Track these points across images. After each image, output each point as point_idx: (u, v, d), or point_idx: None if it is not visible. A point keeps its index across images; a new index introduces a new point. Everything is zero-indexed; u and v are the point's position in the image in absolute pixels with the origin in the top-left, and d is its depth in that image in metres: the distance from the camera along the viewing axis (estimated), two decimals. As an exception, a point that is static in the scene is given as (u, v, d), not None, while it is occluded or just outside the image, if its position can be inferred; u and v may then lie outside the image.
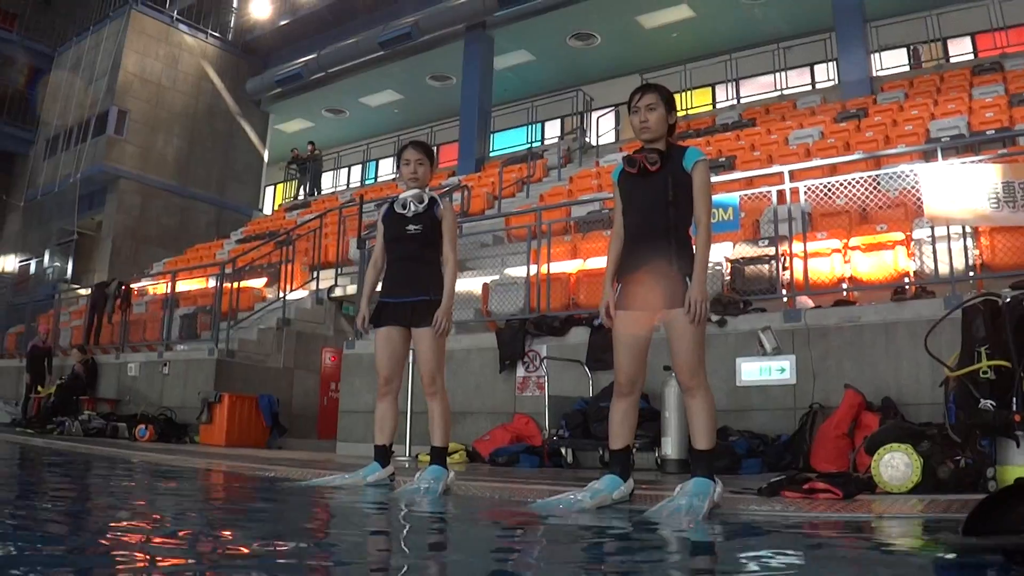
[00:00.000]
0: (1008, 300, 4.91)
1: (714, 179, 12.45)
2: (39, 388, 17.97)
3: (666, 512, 3.98)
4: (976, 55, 21.82)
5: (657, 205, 4.44)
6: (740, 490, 5.17)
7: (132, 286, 20.01)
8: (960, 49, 22.34)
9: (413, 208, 5.68)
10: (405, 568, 2.59)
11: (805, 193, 10.11)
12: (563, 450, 9.51)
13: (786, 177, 10.03)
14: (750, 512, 4.27)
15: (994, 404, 4.63)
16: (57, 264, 29.54)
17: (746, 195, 10.95)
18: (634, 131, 4.61)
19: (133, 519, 3.70)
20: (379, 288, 5.85)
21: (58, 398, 16.77)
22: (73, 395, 16.73)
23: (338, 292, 16.50)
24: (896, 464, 5.05)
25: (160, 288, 20.04)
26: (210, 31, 31.09)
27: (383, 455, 5.73)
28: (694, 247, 4.40)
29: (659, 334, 4.51)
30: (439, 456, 5.52)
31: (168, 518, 3.79)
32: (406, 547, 3.22)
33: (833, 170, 11.39)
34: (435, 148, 30.72)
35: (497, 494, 5.43)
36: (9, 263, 32.26)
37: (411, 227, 5.66)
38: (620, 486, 4.48)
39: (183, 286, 19.45)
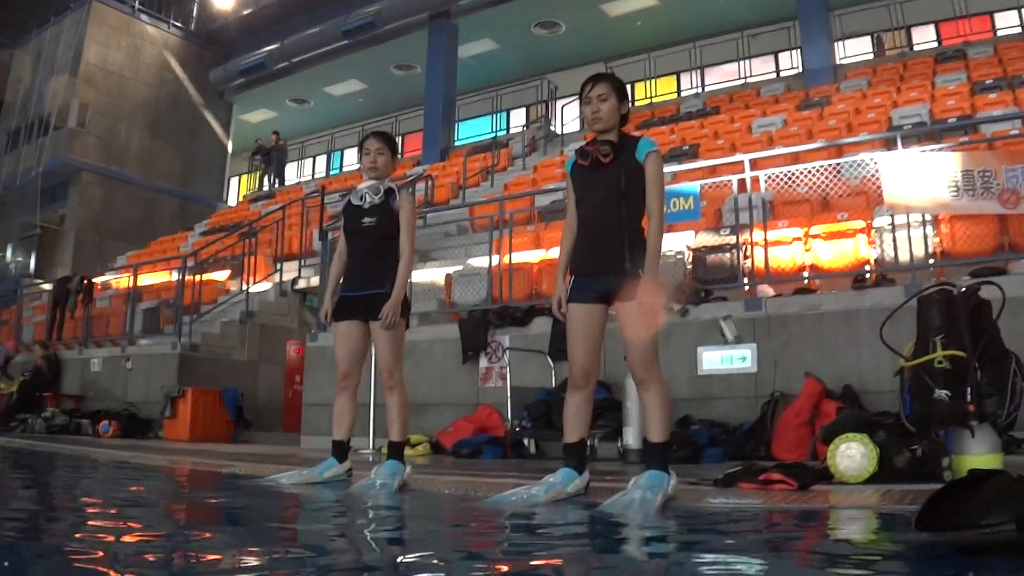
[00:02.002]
0: (963, 289, 4.91)
1: (677, 168, 12.56)
2: (0, 385, 17.77)
3: (619, 505, 3.95)
4: (940, 43, 21.92)
5: (610, 197, 4.42)
6: (696, 481, 5.15)
7: (95, 280, 19.82)
8: (924, 37, 22.46)
9: (369, 200, 5.62)
10: (353, 569, 2.54)
11: (766, 182, 10.12)
12: (526, 441, 9.48)
13: (746, 166, 10.03)
14: (704, 504, 4.25)
15: (949, 394, 4.62)
16: (20, 259, 29.27)
17: (707, 184, 10.93)
18: (586, 122, 4.59)
19: (84, 523, 3.64)
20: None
21: (20, 395, 16.57)
22: (36, 392, 16.54)
23: (302, 284, 16.40)
24: (852, 454, 5.04)
25: (123, 282, 19.83)
26: (172, 21, 30.88)
27: (340, 450, 5.67)
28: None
29: (616, 325, 4.47)
30: (396, 451, 5.46)
31: (122, 522, 3.73)
32: (357, 547, 3.17)
33: (795, 158, 11.42)
34: (400, 138, 30.73)
35: (455, 488, 5.38)
36: (-30, 259, 31.89)
37: (366, 219, 5.60)
38: (575, 479, 4.44)
39: (147, 280, 19.28)
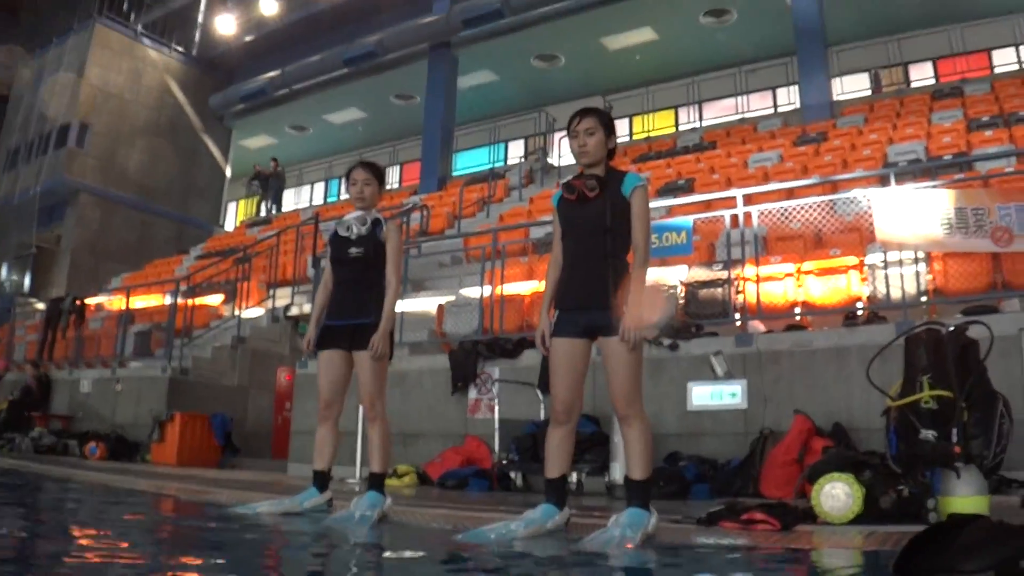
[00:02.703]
0: (951, 329, 4.87)
1: (672, 202, 12.53)
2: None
3: (598, 543, 3.90)
4: (937, 80, 21.98)
5: (595, 232, 4.40)
6: (679, 519, 5.08)
7: (89, 301, 19.78)
8: (922, 74, 22.51)
9: (356, 231, 5.61)
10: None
11: (759, 217, 10.09)
12: (512, 474, 9.40)
13: (739, 201, 10.01)
14: (685, 543, 4.18)
15: (935, 435, 4.58)
16: (15, 278, 29.18)
17: (700, 218, 10.91)
18: (573, 155, 4.58)
19: (63, 549, 3.58)
20: None
21: (9, 414, 16.47)
22: (24, 411, 16.44)
23: (294, 311, 16.33)
24: (837, 494, 4.98)
25: (116, 304, 19.77)
26: (174, 46, 30.91)
27: (321, 480, 5.61)
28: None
29: (596, 358, 4.43)
30: (377, 482, 5.38)
31: (90, 552, 3.67)
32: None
33: (790, 194, 11.40)
34: (398, 167, 30.85)
35: (435, 522, 5.31)
36: (-34, 276, 31.81)
37: (353, 250, 5.59)
38: (555, 515, 4.38)
39: (140, 302, 19.23)
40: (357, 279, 5.60)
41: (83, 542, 3.89)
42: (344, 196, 31.54)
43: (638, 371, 4.31)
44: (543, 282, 12.12)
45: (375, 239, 5.59)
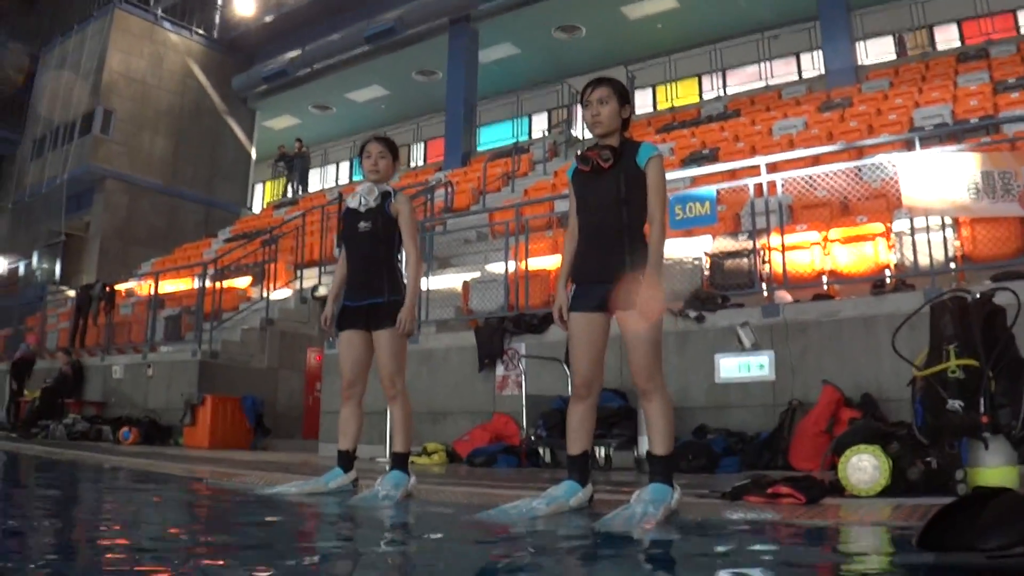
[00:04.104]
0: (977, 297, 4.80)
1: (696, 171, 12.43)
2: (25, 392, 17.87)
3: (621, 520, 3.85)
4: (962, 42, 21.68)
5: (611, 204, 4.34)
6: (705, 493, 5.06)
7: (119, 287, 19.91)
8: (946, 36, 22.20)
9: (364, 203, 5.58)
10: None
11: (783, 185, 10.00)
12: (541, 450, 9.40)
13: (763, 169, 9.90)
14: (708, 519, 4.16)
15: (962, 405, 4.52)
16: (45, 266, 29.43)
17: (724, 188, 10.82)
18: (587, 125, 4.51)
19: (95, 532, 3.60)
20: None
21: (43, 402, 16.63)
22: (58, 398, 16.60)
23: (322, 291, 16.37)
24: (864, 466, 4.93)
25: (146, 289, 19.90)
26: (195, 28, 30.97)
27: (346, 460, 5.63)
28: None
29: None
30: (400, 462, 5.38)
31: (118, 534, 3.69)
32: (353, 562, 3.11)
33: (815, 161, 11.30)
34: (422, 143, 30.81)
35: (461, 500, 5.31)
36: (-1, 265, 32.14)
37: (362, 224, 5.54)
38: (578, 492, 4.36)
39: (169, 287, 19.34)
40: (368, 256, 5.55)
41: (114, 526, 3.93)
42: (369, 174, 31.70)
43: (658, 345, 4.25)
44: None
45: (384, 213, 5.54)
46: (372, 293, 5.50)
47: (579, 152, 4.55)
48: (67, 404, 16.54)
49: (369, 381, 5.72)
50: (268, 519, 4.46)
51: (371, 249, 5.54)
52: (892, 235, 9.56)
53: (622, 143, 4.45)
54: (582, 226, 4.48)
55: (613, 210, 4.33)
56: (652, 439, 4.23)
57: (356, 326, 5.56)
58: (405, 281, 5.53)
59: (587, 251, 4.42)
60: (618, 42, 25.22)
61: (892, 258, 9.46)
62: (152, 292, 17.90)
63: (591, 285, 4.36)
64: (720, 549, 3.37)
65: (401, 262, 5.68)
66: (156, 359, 16.21)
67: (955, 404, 4.53)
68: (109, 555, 3.09)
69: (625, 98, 4.51)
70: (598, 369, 4.43)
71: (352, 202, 5.65)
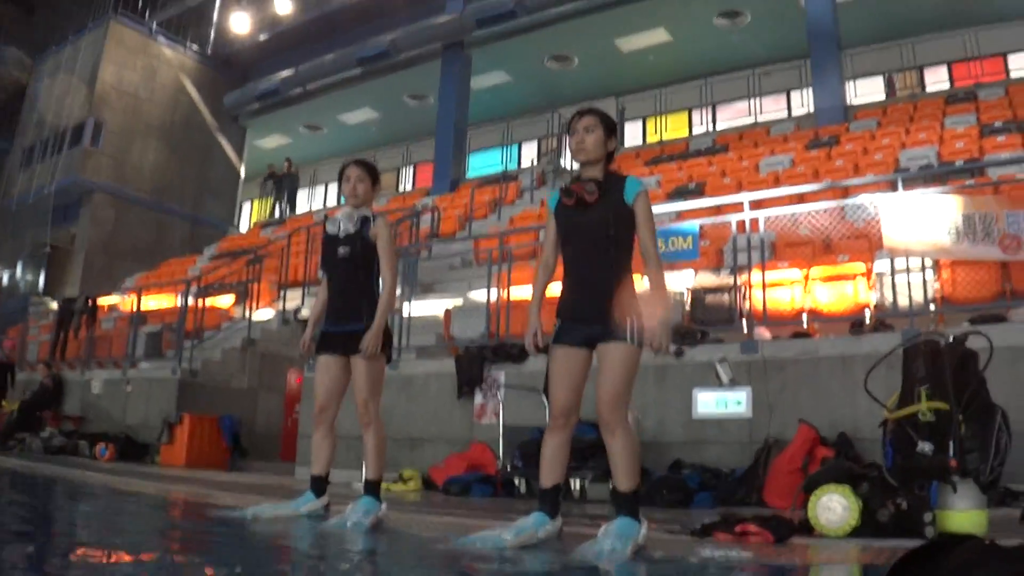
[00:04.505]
0: (951, 340, 4.83)
1: (680, 206, 12.49)
2: (2, 403, 17.74)
3: (590, 554, 3.87)
4: (952, 84, 21.85)
5: (598, 240, 4.31)
6: (675, 529, 5.06)
7: (102, 301, 19.83)
8: (937, 78, 22.36)
9: (344, 228, 5.54)
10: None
11: (766, 222, 10.05)
12: (516, 480, 9.37)
13: (746, 206, 9.97)
14: (674, 556, 4.15)
15: (932, 447, 4.54)
16: (29, 277, 29.26)
17: (708, 223, 10.87)
18: (571, 152, 4.54)
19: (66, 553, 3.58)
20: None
21: (21, 414, 16.52)
22: (36, 411, 16.48)
23: (304, 313, 16.29)
24: (833, 507, 4.94)
25: (128, 304, 19.82)
26: (189, 44, 30.99)
27: (318, 485, 5.62)
28: (643, 282, 4.36)
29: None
30: (372, 488, 5.38)
31: (93, 553, 3.67)
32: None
33: (800, 199, 11.36)
34: (411, 167, 30.80)
35: (431, 530, 5.30)
36: (-19, 274, 31.96)
37: (341, 249, 5.52)
38: (547, 524, 4.32)
39: (152, 303, 19.26)
40: (347, 281, 5.53)
41: (86, 544, 3.91)
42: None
43: (631, 378, 4.24)
44: (551, 286, 12.11)
45: (363, 237, 5.50)
46: (351, 320, 5.47)
47: (563, 185, 4.55)
48: (45, 417, 16.43)
49: (346, 406, 5.71)
50: (235, 542, 4.44)
51: (350, 275, 5.52)
52: (873, 275, 9.60)
53: (606, 176, 4.45)
54: (568, 262, 4.46)
55: (601, 247, 4.31)
56: (616, 476, 4.22)
57: (334, 351, 5.54)
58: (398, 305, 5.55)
59: (573, 288, 4.41)
60: (610, 73, 25.35)
61: (872, 298, 9.50)
62: (135, 308, 17.83)
63: (577, 323, 4.35)
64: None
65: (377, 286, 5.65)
66: (135, 375, 16.13)
67: (925, 447, 4.56)
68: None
69: (612, 130, 4.52)
70: (576, 400, 4.41)
71: (332, 227, 5.62)
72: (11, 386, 18.11)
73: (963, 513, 4.53)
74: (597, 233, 4.32)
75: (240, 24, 31.12)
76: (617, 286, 4.26)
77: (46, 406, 16.64)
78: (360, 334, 5.39)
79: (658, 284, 4.30)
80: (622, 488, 4.18)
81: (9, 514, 5.54)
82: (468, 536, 4.31)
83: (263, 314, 16.82)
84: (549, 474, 4.42)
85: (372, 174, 5.73)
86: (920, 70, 22.40)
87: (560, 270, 4.55)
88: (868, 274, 9.64)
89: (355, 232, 5.52)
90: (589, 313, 4.28)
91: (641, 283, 4.39)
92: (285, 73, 29.12)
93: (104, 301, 20.42)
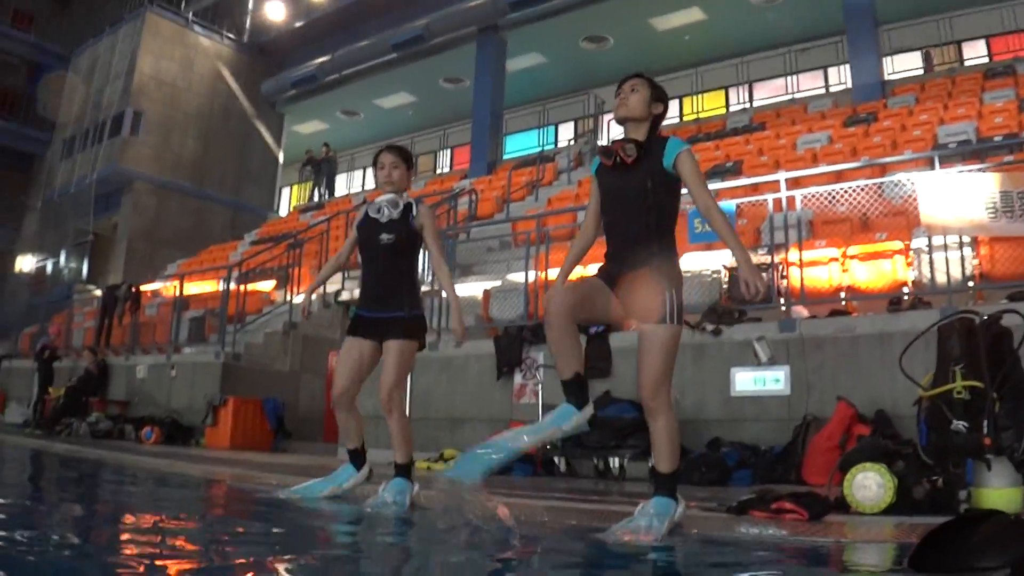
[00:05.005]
0: (985, 318, 4.85)
1: (718, 185, 12.46)
2: (49, 389, 18.05)
3: (624, 532, 3.91)
4: (990, 58, 21.61)
5: (636, 204, 4.16)
6: (711, 507, 5.13)
7: (144, 288, 20.11)
8: (975, 52, 22.12)
9: (388, 213, 5.50)
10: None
11: (803, 200, 10.04)
12: (556, 459, 9.48)
13: (782, 185, 9.97)
14: (711, 533, 4.22)
15: (966, 426, 4.58)
16: (73, 265, 29.64)
17: (744, 202, 10.88)
18: (614, 112, 4.41)
19: (117, 536, 3.70)
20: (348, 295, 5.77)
21: (67, 399, 16.80)
22: (82, 396, 16.76)
23: (345, 296, 16.47)
24: (868, 484, 4.99)
25: (171, 290, 20.08)
26: (225, 33, 31.15)
27: (357, 457, 5.67)
28: (676, 258, 4.22)
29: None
30: (403, 471, 5.41)
31: (135, 532, 3.78)
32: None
33: (838, 176, 11.33)
34: (448, 150, 30.90)
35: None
36: (26, 263, 32.38)
37: (384, 236, 5.46)
38: (574, 415, 4.03)
39: (195, 288, 19.49)
40: (388, 268, 5.50)
41: (131, 525, 4.01)
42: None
43: (671, 361, 4.12)
44: (589, 267, 12.15)
45: (407, 225, 5.48)
46: (390, 307, 5.44)
47: (602, 145, 4.49)
48: (91, 402, 16.71)
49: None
50: (276, 522, 4.55)
51: (392, 262, 5.50)
52: (911, 252, 9.57)
53: (649, 139, 4.27)
54: (606, 225, 4.33)
55: (639, 212, 4.16)
56: (657, 457, 4.19)
57: (366, 335, 5.51)
58: (429, 289, 5.56)
59: (612, 252, 4.25)
60: (645, 53, 25.19)
61: (910, 275, 9.48)
62: (177, 293, 18.07)
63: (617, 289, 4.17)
64: (719, 563, 3.44)
65: (419, 275, 5.68)
66: (179, 360, 16.36)
67: (959, 425, 4.59)
68: (126, 551, 3.19)
69: (659, 95, 4.36)
70: (584, 308, 4.18)
71: (374, 212, 5.56)
72: (52, 369, 18.45)
73: (998, 491, 4.56)
74: (635, 197, 4.17)
75: (275, 12, 31.29)
76: (657, 253, 4.11)
77: (92, 392, 16.92)
78: (399, 321, 5.40)
79: (728, 233, 4.07)
80: (661, 469, 4.16)
81: (58, 494, 5.70)
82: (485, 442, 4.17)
83: (303, 298, 16.95)
84: (566, 364, 4.09)
85: (406, 159, 5.71)
86: (958, 45, 22.17)
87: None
88: (906, 251, 9.61)
89: (399, 218, 5.49)
90: (626, 281, 4.12)
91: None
92: (321, 59, 29.23)
93: (147, 288, 20.69)
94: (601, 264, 4.28)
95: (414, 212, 5.54)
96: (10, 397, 20.57)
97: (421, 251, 5.73)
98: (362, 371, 5.55)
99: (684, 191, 4.26)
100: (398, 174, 5.61)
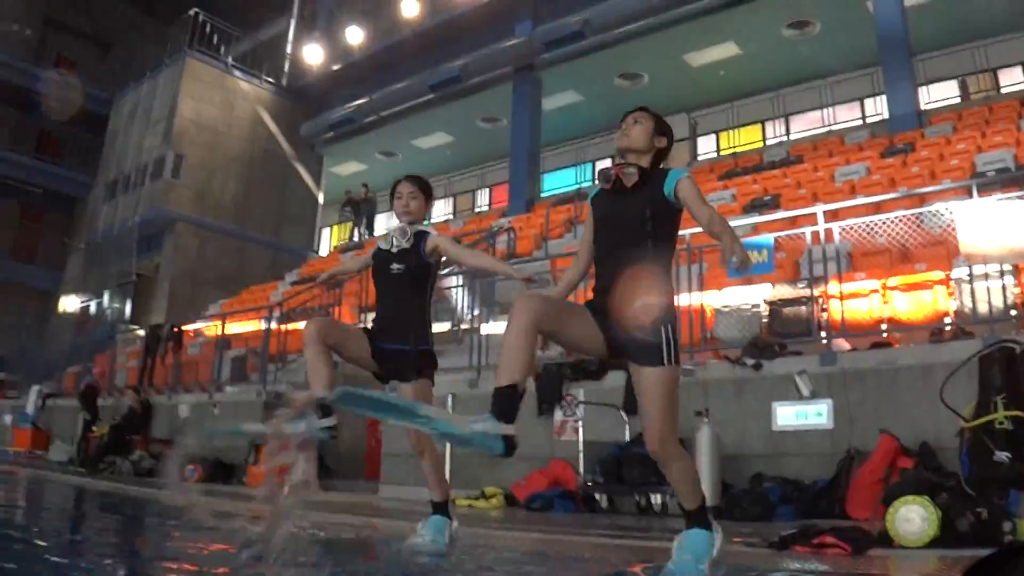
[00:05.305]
0: (1025, 348, 4.83)
1: (756, 219, 12.47)
2: (93, 428, 18.24)
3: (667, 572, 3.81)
4: (1029, 85, 21.46)
5: (633, 232, 3.95)
6: (754, 542, 5.11)
7: (187, 328, 20.32)
8: (1011, 79, 21.93)
9: (397, 243, 5.30)
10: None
11: (842, 232, 10.03)
12: (597, 495, 9.46)
13: (820, 218, 9.96)
14: (754, 566, 4.21)
15: (1009, 456, 4.55)
16: (116, 305, 29.92)
17: (782, 236, 10.87)
18: (616, 142, 4.20)
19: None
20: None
21: (111, 437, 16.97)
22: (126, 434, 16.92)
23: (386, 335, 16.50)
24: (912, 517, 4.95)
25: (213, 330, 20.28)
26: (264, 77, 31.52)
27: (326, 410, 4.76)
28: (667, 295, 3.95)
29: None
30: (440, 508, 5.21)
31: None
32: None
33: (877, 208, 11.29)
34: (487, 189, 31.00)
35: (514, 547, 5.40)
36: (70, 304, 32.75)
37: (394, 266, 5.27)
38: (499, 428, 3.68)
39: (236, 328, 19.68)
40: (399, 299, 5.29)
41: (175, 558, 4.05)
42: (436, 219, 32.01)
43: (675, 405, 3.88)
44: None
45: (418, 254, 5.26)
46: (398, 339, 5.14)
47: (602, 168, 4.22)
48: (134, 440, 16.86)
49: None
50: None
51: (401, 292, 5.29)
52: (951, 282, 9.52)
53: (652, 170, 4.08)
54: (598, 256, 4.11)
55: (635, 242, 3.93)
56: (681, 499, 4.05)
57: (376, 357, 5.16)
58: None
59: (606, 285, 3.97)
60: (681, 89, 25.27)
61: (951, 305, 9.43)
62: (219, 333, 18.24)
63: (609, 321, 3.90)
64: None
65: (433, 308, 5.44)
66: (222, 399, 16.49)
67: (1002, 455, 4.56)
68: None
69: (663, 129, 4.17)
70: (570, 330, 3.90)
71: (384, 244, 5.39)
72: (96, 408, 18.62)
73: (1044, 521, 4.53)
74: (632, 225, 3.97)
75: (313, 55, 31.61)
76: (654, 288, 3.86)
77: (135, 430, 17.09)
78: (406, 355, 5.16)
79: (726, 229, 3.73)
80: (688, 507, 4.02)
81: (102, 529, 5.75)
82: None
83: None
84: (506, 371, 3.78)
85: (425, 190, 5.53)
86: (994, 72, 21.99)
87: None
88: (947, 281, 9.57)
89: (409, 248, 5.28)
90: (619, 316, 3.84)
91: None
92: (359, 102, 29.46)
93: (189, 327, 20.91)
94: (590, 298, 4.04)
95: (425, 241, 5.31)
96: (54, 436, 20.78)
97: (432, 286, 5.46)
98: (356, 349, 5.15)
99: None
100: (416, 205, 5.42)
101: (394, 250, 5.31)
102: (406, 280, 5.27)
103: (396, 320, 5.22)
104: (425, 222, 5.58)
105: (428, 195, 5.53)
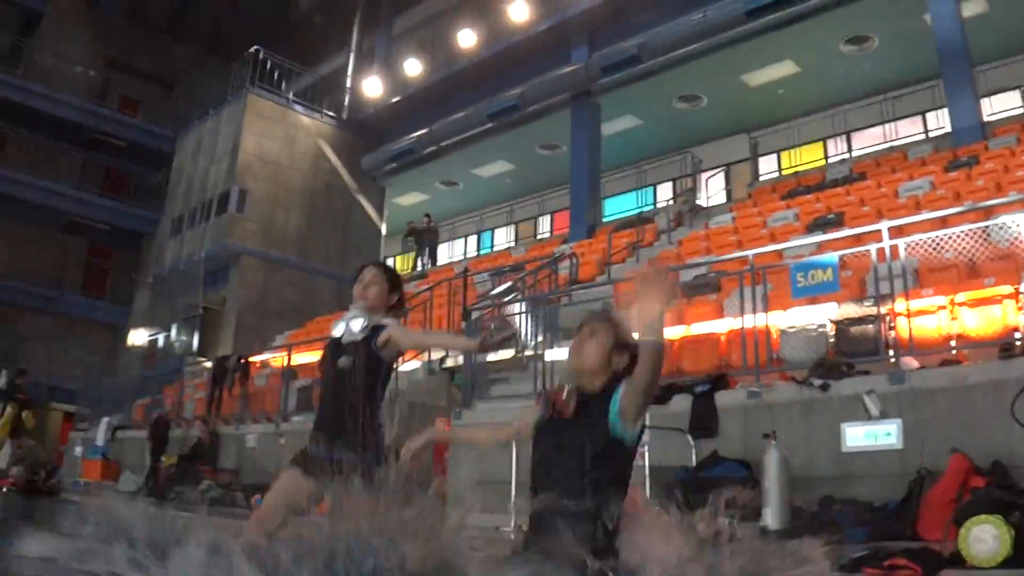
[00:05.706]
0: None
1: (819, 238, 12.34)
2: (162, 458, 18.50)
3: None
4: (1093, 91, 21.09)
5: (572, 468, 3.39)
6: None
7: (253, 359, 20.56)
8: (1078, 86, 21.58)
9: (347, 334, 4.70)
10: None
11: (908, 248, 9.90)
12: (665, 520, 9.38)
13: (885, 234, 9.84)
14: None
15: (1085, 473, 4.45)
16: (184, 338, 30.33)
17: (847, 254, 10.76)
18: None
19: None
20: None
21: (179, 468, 17.21)
22: (194, 464, 17.15)
23: (449, 363, 16.59)
24: (984, 537, 4.87)
25: (279, 361, 20.50)
26: (325, 111, 31.94)
27: None
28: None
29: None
30: None
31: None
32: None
33: (943, 223, 11.14)
34: (548, 216, 31.11)
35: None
36: (138, 338, 33.29)
37: (342, 360, 4.63)
38: None
39: (302, 359, 19.87)
40: (340, 398, 4.61)
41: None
42: (497, 247, 32.19)
43: None
44: (691, 326, 12.09)
45: (369, 348, 4.62)
46: (334, 445, 4.42)
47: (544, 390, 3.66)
48: (203, 470, 17.07)
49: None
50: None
51: (344, 391, 4.60)
52: (1021, 296, 9.34)
53: (607, 388, 3.52)
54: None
55: (574, 478, 3.36)
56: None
57: (310, 472, 4.49)
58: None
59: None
60: (740, 110, 25.18)
61: (1021, 320, 9.24)
62: (285, 364, 18.42)
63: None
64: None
65: (382, 415, 4.77)
66: (288, 429, 16.63)
67: (1077, 472, 4.46)
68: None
69: (625, 343, 3.59)
70: None
71: (336, 330, 4.82)
72: (166, 440, 18.89)
73: (1122, 539, 4.42)
74: (571, 458, 3.41)
75: (372, 88, 31.96)
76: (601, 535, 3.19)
77: (203, 460, 17.31)
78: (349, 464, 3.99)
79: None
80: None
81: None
82: None
83: (409, 365, 17.17)
84: None
85: (390, 278, 4.95)
86: (1058, 79, 21.66)
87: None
88: (1016, 295, 9.38)
89: (361, 341, 4.65)
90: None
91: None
92: (418, 133, 29.72)
93: (256, 359, 21.15)
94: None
95: (379, 333, 4.68)
96: (124, 466, 21.10)
97: (385, 385, 4.82)
98: (294, 507, 4.59)
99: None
100: (374, 292, 4.82)
101: (344, 340, 4.72)
102: (351, 377, 4.60)
103: (338, 424, 4.56)
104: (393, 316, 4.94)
105: (393, 285, 4.95)
